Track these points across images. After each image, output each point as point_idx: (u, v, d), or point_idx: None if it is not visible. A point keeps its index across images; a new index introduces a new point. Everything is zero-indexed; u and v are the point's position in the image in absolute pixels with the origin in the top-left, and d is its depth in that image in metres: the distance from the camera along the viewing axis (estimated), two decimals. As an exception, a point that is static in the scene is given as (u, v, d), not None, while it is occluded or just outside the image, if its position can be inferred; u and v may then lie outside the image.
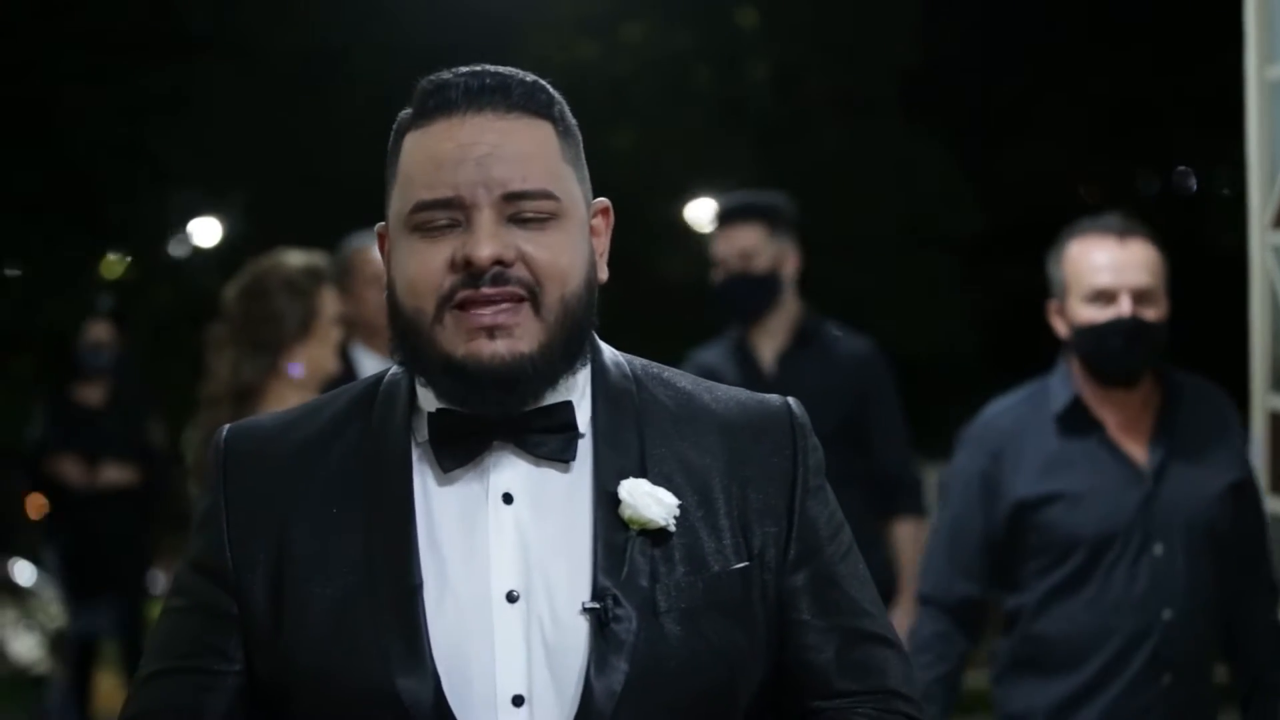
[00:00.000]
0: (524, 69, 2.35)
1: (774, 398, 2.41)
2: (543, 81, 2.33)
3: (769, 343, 6.15)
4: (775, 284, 6.09)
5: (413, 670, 2.21)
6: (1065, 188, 16.40)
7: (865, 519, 5.94)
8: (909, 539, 6.20)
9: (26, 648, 12.10)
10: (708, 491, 2.30)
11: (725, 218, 6.17)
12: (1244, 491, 4.45)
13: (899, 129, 15.01)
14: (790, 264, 6.11)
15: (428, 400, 2.31)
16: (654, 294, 14.47)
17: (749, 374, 6.02)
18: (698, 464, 2.31)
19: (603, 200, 2.38)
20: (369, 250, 6.47)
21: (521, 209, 2.25)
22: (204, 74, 14.33)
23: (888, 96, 15.14)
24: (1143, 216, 4.67)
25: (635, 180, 13.88)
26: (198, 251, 15.85)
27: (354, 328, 6.51)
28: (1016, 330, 16.96)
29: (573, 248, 2.28)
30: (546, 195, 2.26)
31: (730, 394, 2.41)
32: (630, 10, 15.02)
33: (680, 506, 2.27)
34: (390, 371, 2.38)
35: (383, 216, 2.34)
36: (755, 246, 6.08)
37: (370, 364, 6.46)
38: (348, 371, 6.44)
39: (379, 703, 2.21)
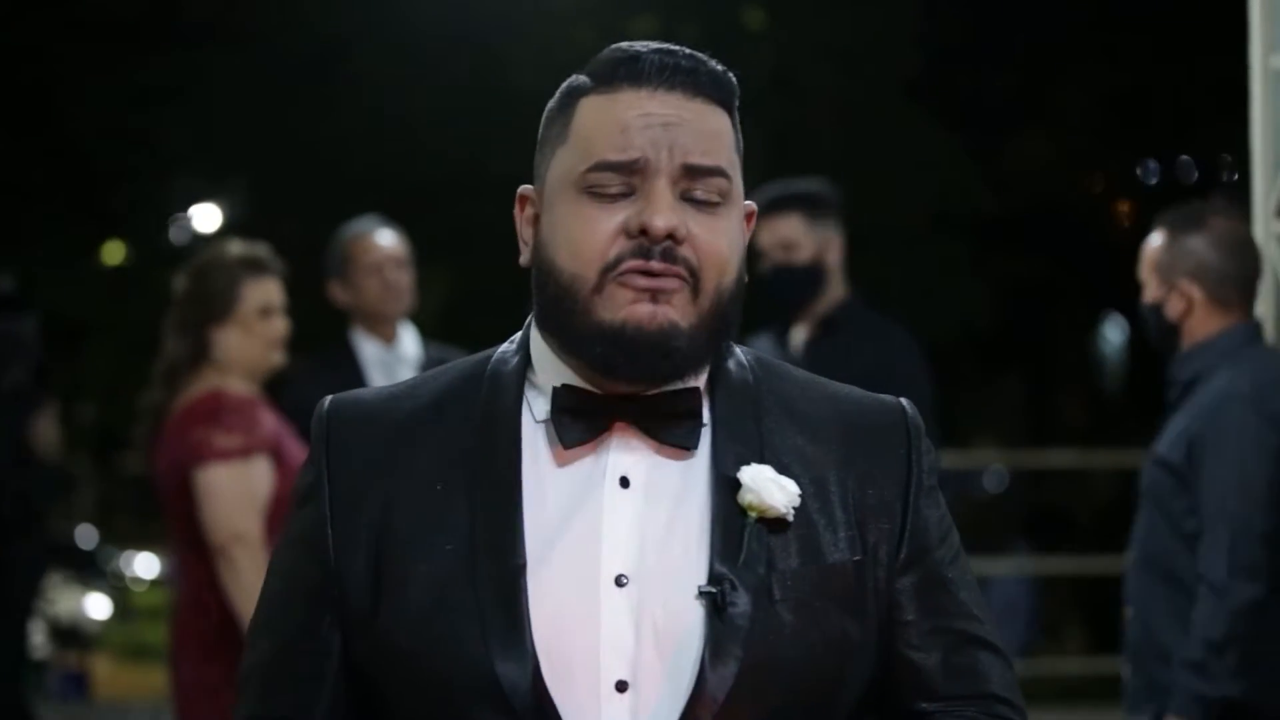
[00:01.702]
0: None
1: (889, 398, 2.38)
2: (729, 74, 2.32)
3: (802, 332, 6.09)
4: (818, 274, 6.01)
5: (512, 653, 2.17)
6: (1069, 176, 16.42)
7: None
8: None
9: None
10: (824, 484, 2.28)
11: (765, 208, 6.12)
12: (1177, 468, 4.46)
13: (906, 119, 15.00)
14: (834, 251, 6.06)
15: (552, 376, 2.27)
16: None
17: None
18: (814, 456, 2.29)
19: (751, 204, 2.35)
20: (367, 238, 6.45)
21: (696, 186, 2.23)
22: (205, 60, 14.32)
23: (894, 88, 15.14)
24: (1145, 206, 4.74)
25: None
26: (199, 237, 15.84)
27: (354, 314, 6.50)
28: (1026, 316, 17.02)
29: (736, 235, 2.27)
30: (723, 174, 2.25)
31: (846, 391, 2.39)
32: (636, 3, 15.00)
33: (799, 496, 2.25)
34: (499, 349, 2.34)
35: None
36: (795, 237, 6.03)
37: (370, 349, 6.44)
38: (349, 357, 6.44)
39: (476, 686, 2.16)
